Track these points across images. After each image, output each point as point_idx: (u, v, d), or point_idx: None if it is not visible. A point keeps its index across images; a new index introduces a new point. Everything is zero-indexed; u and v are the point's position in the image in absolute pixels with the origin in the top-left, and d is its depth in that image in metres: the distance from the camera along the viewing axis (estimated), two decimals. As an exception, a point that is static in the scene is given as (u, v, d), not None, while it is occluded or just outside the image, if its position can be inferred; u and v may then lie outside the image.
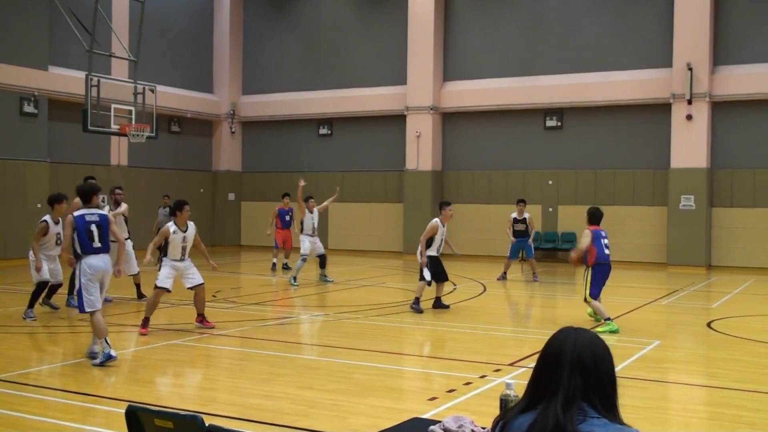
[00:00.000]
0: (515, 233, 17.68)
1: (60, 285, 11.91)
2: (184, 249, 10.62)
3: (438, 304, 12.92)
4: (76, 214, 8.62)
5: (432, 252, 12.74)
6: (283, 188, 25.98)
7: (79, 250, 8.53)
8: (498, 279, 17.52)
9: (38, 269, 11.06)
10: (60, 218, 11.28)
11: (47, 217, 11.34)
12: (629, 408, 6.70)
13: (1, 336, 10.22)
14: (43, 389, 7.35)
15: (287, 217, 19.64)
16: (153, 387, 7.58)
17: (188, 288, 10.78)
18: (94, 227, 8.57)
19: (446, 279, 13.13)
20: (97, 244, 8.56)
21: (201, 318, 10.84)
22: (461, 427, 4.08)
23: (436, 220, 12.89)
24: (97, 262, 8.51)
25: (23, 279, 16.24)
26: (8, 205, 20.15)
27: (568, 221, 22.47)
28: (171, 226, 10.54)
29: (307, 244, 16.70)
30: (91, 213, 8.66)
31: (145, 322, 10.36)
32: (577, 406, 2.32)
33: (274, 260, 19.76)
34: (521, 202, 17.98)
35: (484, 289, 16.00)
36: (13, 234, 20.11)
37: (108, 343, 8.37)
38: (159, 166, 24.70)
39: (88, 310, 8.43)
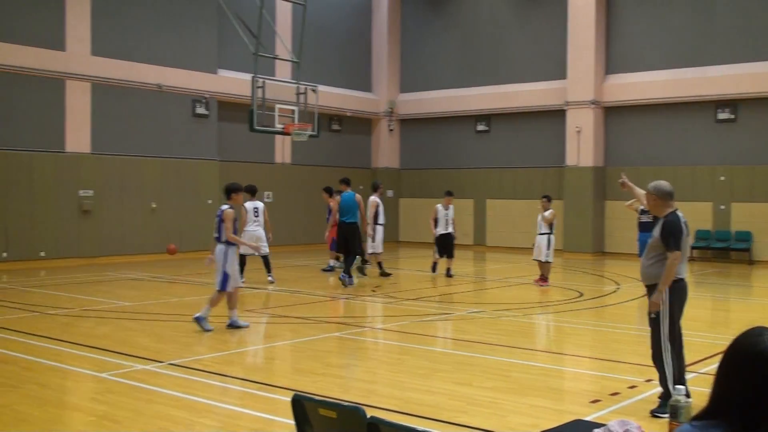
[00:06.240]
0: (642, 226, 15.06)
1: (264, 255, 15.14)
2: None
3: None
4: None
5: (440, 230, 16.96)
6: (441, 185, 26.13)
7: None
8: None
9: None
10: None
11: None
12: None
13: (178, 324, 10.86)
14: (215, 375, 7.72)
15: None
16: (315, 377, 7.79)
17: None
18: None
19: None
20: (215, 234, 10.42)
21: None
22: (628, 432, 3.88)
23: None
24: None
25: (198, 270, 17.22)
26: (183, 202, 21.43)
27: (742, 219, 21.12)
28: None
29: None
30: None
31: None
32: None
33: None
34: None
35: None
36: (187, 228, 21.38)
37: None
38: (320, 164, 25.44)
39: None
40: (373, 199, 17.02)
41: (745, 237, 21.03)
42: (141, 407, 6.53)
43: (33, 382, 7.41)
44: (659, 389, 6.78)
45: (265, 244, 14.96)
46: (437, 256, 17.27)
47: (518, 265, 20.32)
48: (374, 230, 16.88)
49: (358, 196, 15.73)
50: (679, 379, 6.52)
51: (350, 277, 15.19)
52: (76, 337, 9.73)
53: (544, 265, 15.68)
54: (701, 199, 21.58)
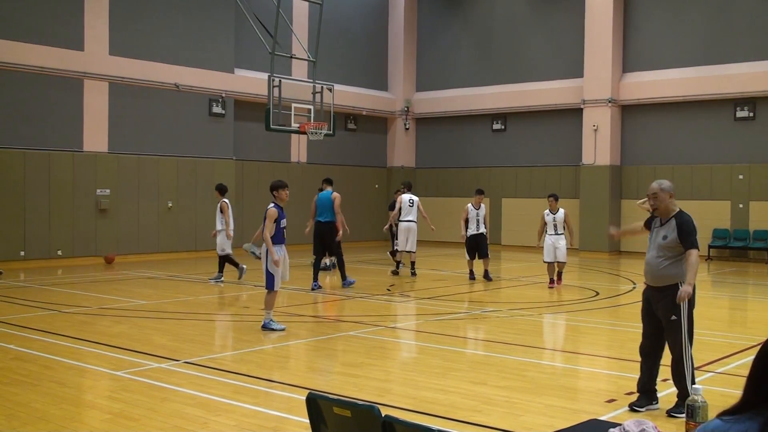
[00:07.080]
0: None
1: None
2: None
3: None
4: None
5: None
6: (457, 184, 26.08)
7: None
8: None
9: None
10: None
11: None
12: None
13: (194, 322, 10.91)
14: (230, 374, 7.75)
15: None
16: (330, 376, 7.81)
17: None
18: None
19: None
20: None
21: None
22: (644, 432, 3.87)
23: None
24: None
25: (214, 269, 17.28)
26: (199, 201, 21.53)
27: (761, 218, 20.96)
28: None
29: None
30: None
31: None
32: None
33: None
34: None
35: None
36: (203, 227, 21.46)
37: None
38: (336, 163, 25.47)
39: None
40: (416, 198, 17.81)
41: (764, 236, 20.86)
42: (157, 405, 6.57)
43: (51, 380, 7.47)
44: (675, 389, 6.73)
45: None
46: (469, 259, 16.68)
47: (534, 264, 20.25)
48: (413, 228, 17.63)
49: (333, 195, 15.12)
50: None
51: (346, 278, 14.99)
52: (93, 335, 9.80)
53: (561, 265, 15.63)
54: (719, 198, 21.44)
